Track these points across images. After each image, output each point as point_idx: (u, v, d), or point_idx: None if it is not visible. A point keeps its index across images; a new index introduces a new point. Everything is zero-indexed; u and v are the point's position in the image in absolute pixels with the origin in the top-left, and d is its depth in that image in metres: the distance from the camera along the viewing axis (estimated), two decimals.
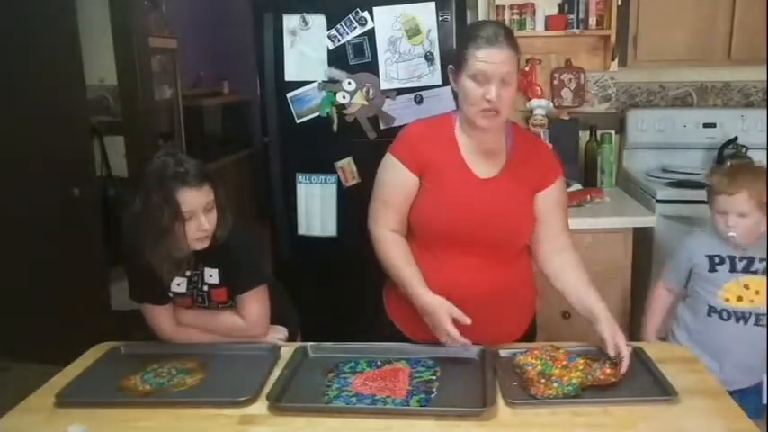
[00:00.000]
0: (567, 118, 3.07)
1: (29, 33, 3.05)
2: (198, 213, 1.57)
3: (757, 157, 2.86)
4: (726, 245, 1.86)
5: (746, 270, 1.84)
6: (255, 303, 1.72)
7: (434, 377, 1.49)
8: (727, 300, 1.85)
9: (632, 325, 2.61)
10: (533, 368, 1.46)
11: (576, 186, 2.86)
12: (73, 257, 3.19)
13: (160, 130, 4.04)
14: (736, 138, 2.90)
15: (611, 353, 1.49)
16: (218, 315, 1.75)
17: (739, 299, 1.84)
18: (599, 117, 3.12)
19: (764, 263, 1.84)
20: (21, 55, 3.07)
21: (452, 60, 1.66)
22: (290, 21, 2.64)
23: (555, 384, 1.40)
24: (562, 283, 1.68)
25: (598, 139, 3.06)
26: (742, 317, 1.84)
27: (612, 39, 2.87)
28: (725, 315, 1.85)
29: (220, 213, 1.64)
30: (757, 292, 1.83)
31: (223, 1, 5.41)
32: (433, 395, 1.42)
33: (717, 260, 1.87)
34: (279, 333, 1.81)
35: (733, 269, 1.85)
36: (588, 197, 2.75)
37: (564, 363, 1.46)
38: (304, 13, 2.63)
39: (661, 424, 1.30)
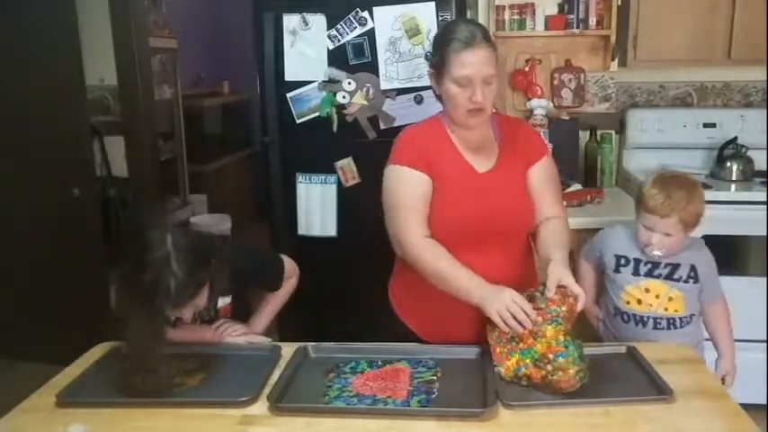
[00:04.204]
0: (567, 118, 3.07)
1: (29, 33, 3.05)
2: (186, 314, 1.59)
3: (757, 156, 2.86)
4: (636, 248, 1.83)
5: (649, 274, 1.81)
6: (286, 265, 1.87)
7: (435, 377, 1.49)
8: (628, 303, 1.83)
9: None
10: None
11: (576, 186, 2.86)
12: (73, 257, 3.19)
13: (160, 130, 4.05)
14: (736, 138, 2.90)
15: (549, 292, 1.48)
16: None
17: (639, 302, 1.81)
18: (599, 117, 3.12)
19: (668, 268, 1.79)
20: (21, 55, 3.07)
21: (432, 63, 1.64)
22: (290, 21, 2.64)
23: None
24: (539, 240, 1.67)
25: (598, 139, 3.06)
26: (641, 320, 1.81)
27: (612, 39, 2.87)
28: (625, 317, 1.84)
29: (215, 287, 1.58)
30: (657, 297, 1.80)
31: (223, 1, 5.41)
32: (433, 396, 1.42)
33: (623, 261, 1.85)
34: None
35: (636, 272, 1.82)
36: (588, 197, 2.75)
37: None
38: (304, 13, 2.63)
39: (661, 425, 1.29)
